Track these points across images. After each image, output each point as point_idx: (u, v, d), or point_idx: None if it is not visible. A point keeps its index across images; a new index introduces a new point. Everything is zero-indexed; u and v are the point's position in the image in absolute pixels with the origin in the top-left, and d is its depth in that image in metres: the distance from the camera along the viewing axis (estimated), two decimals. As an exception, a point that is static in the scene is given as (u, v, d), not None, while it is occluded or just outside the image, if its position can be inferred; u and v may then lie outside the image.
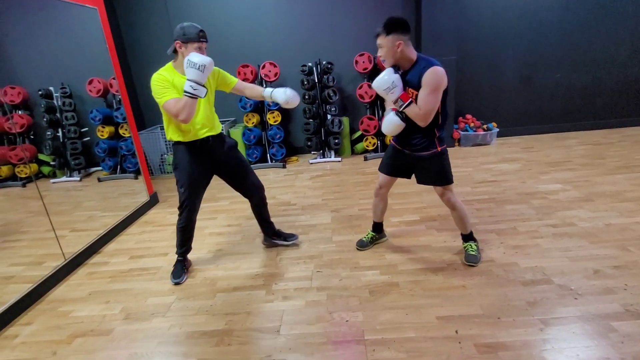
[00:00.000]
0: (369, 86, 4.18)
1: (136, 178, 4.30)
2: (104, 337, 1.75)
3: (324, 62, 4.36)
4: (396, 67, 1.81)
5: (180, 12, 4.47)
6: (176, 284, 2.12)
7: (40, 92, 4.26)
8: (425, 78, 1.69)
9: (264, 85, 4.46)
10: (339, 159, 4.50)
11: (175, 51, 1.84)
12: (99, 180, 4.37)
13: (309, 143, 4.45)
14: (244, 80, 4.37)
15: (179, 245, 2.21)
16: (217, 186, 2.96)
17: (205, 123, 1.98)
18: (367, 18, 4.43)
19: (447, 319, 1.65)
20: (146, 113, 4.97)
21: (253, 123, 4.42)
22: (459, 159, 4.09)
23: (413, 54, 1.76)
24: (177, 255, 2.23)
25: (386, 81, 1.73)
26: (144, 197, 3.45)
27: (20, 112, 4.26)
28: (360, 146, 4.64)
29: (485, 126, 4.57)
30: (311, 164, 4.46)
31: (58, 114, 4.42)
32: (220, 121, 2.15)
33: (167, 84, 1.79)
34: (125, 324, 1.83)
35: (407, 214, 2.79)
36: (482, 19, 4.47)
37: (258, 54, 4.52)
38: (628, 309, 1.61)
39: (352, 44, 4.46)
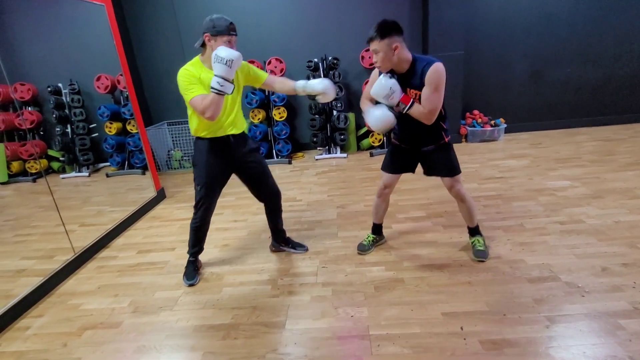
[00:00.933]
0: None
1: (143, 174, 4.35)
2: (113, 329, 1.78)
3: (329, 58, 4.34)
4: (391, 73, 1.78)
5: (187, 8, 4.47)
6: (190, 285, 2.08)
7: (49, 89, 4.31)
8: (428, 76, 1.67)
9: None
10: (345, 155, 4.49)
11: (203, 45, 1.77)
12: (107, 175, 4.42)
13: (315, 139, 4.44)
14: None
15: (191, 244, 2.16)
16: (223, 182, 2.97)
17: (233, 119, 1.91)
18: (374, 13, 4.39)
19: (453, 315, 1.65)
20: (153, 109, 5.01)
21: (259, 119, 4.43)
22: (466, 154, 4.06)
23: (409, 55, 1.73)
24: (188, 256, 2.18)
25: (384, 87, 1.70)
26: (151, 193, 3.49)
27: (30, 108, 4.32)
28: (366, 142, 4.62)
29: (492, 122, 4.52)
30: (317, 160, 4.46)
31: (67, 110, 4.47)
32: None
33: (193, 80, 1.72)
34: (133, 317, 1.87)
35: (414, 210, 2.78)
36: (491, 13, 4.41)
37: (264, 50, 4.52)
38: (636, 307, 1.59)
39: (358, 40, 4.43)
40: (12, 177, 4.00)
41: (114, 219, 2.93)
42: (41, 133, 4.46)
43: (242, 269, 2.22)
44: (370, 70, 4.36)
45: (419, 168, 2.08)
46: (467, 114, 4.67)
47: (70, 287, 2.21)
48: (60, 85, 4.39)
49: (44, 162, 4.41)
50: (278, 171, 4.19)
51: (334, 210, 2.94)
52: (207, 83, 1.71)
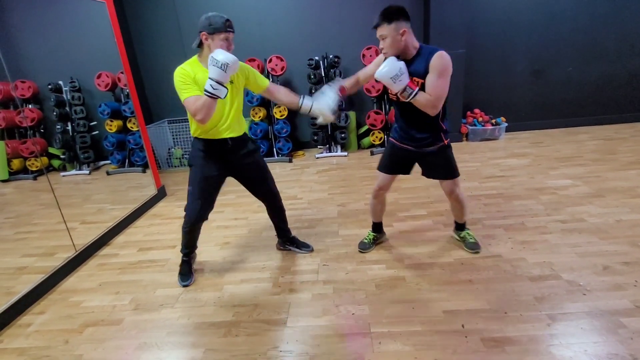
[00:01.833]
0: (376, 80, 4.15)
1: (144, 172, 4.35)
2: (114, 326, 1.78)
3: (330, 56, 4.33)
4: (398, 58, 1.71)
5: (188, 6, 4.46)
6: (185, 286, 2.05)
7: (50, 86, 4.31)
8: (433, 62, 1.62)
9: (271, 80, 4.45)
10: (346, 153, 4.49)
11: (200, 44, 1.72)
12: (108, 173, 4.42)
13: (316, 137, 4.44)
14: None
15: (184, 245, 2.11)
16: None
17: (230, 123, 1.85)
18: (375, 11, 4.32)
19: (454, 313, 1.65)
20: (154, 107, 5.01)
21: (260, 117, 4.42)
22: (467, 153, 4.06)
23: (416, 42, 1.70)
24: (182, 255, 2.14)
25: (393, 69, 1.61)
26: (151, 191, 3.49)
27: (30, 106, 4.32)
28: (366, 141, 4.62)
29: (494, 121, 4.52)
30: (317, 158, 4.46)
31: (67, 108, 4.47)
32: None
33: (188, 80, 1.67)
34: (134, 314, 1.87)
35: (415, 209, 2.78)
36: (492, 11, 4.40)
37: (265, 48, 4.51)
38: (638, 305, 1.59)
39: (360, 38, 4.42)
40: (13, 175, 4.00)
41: (115, 217, 2.93)
42: (42, 131, 4.46)
43: (243, 267, 2.22)
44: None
45: (417, 168, 2.05)
46: (468, 113, 4.66)
47: (72, 285, 2.21)
48: (61, 82, 4.39)
49: (45, 159, 4.41)
50: (278, 169, 4.19)
51: (335, 208, 2.94)
52: (203, 83, 1.66)
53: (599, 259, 1.95)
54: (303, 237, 2.47)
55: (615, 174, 3.07)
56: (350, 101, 4.77)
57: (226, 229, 2.76)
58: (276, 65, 4.32)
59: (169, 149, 4.75)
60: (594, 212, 2.46)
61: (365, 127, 4.57)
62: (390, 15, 1.62)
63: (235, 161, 1.96)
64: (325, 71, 4.37)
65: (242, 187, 2.29)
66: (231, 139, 1.89)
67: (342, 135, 4.42)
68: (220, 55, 1.55)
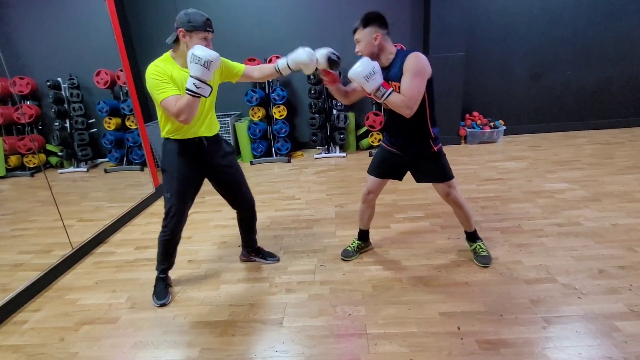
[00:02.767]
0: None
1: (142, 170, 4.34)
2: (110, 325, 1.78)
3: (330, 57, 4.33)
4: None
5: (188, 5, 4.45)
6: (161, 306, 1.89)
7: (48, 83, 4.30)
8: (406, 63, 1.63)
9: (270, 80, 4.45)
10: (344, 154, 4.49)
11: (176, 40, 1.63)
12: (106, 171, 4.41)
13: (314, 138, 4.44)
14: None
15: (160, 260, 1.95)
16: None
17: (207, 121, 1.79)
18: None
19: (450, 315, 1.65)
20: (152, 105, 4.98)
21: (259, 117, 4.42)
22: (465, 156, 4.07)
23: (392, 48, 1.73)
24: (158, 272, 1.97)
25: (366, 67, 1.60)
26: (149, 189, 3.48)
27: (28, 102, 4.31)
28: (365, 142, 4.63)
29: (492, 124, 4.53)
30: (316, 159, 4.46)
31: (66, 105, 4.46)
32: (225, 115, 2.05)
33: (165, 78, 1.58)
34: (131, 312, 1.86)
35: (412, 211, 2.79)
36: (492, 15, 4.41)
37: (265, 48, 4.51)
38: (633, 309, 1.60)
39: (360, 39, 4.42)
40: (10, 172, 3.99)
41: (112, 215, 2.92)
42: (39, 127, 4.45)
43: (240, 267, 2.22)
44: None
45: (408, 176, 2.03)
46: (467, 116, 4.68)
47: (68, 282, 2.20)
48: (59, 79, 4.38)
49: (42, 156, 4.39)
50: (277, 169, 4.19)
51: (333, 209, 2.95)
52: (180, 82, 1.60)
53: (594, 263, 1.96)
54: (301, 237, 2.48)
55: (612, 179, 3.09)
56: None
57: (224, 228, 2.75)
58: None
59: (168, 148, 4.74)
60: (590, 216, 2.48)
61: (364, 129, 4.58)
62: (367, 20, 1.69)
63: (212, 162, 1.86)
64: (325, 72, 4.37)
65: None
66: (206, 138, 1.81)
67: (341, 136, 4.42)
68: (201, 51, 1.46)
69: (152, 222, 3.00)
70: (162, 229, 1.87)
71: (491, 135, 4.51)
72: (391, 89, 1.65)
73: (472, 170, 3.60)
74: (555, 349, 1.43)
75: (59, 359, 1.59)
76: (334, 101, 4.38)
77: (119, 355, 1.59)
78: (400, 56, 1.69)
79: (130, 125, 4.45)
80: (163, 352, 1.58)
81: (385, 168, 2.00)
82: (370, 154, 4.40)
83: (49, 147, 4.41)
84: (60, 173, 4.39)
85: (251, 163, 4.46)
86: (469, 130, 4.51)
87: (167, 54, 1.69)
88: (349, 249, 2.22)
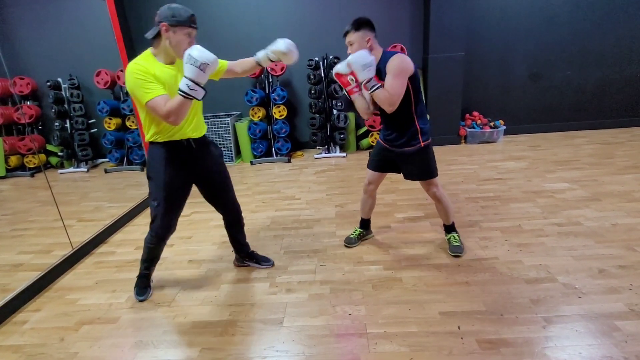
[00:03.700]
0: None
1: (142, 170, 4.34)
2: (110, 325, 1.78)
3: (330, 57, 4.34)
4: None
5: (188, 4, 4.46)
6: (141, 301, 1.90)
7: (48, 83, 4.30)
8: (389, 65, 1.77)
9: (271, 80, 4.46)
10: (344, 154, 4.49)
11: (157, 36, 1.56)
12: (106, 171, 4.41)
13: (315, 138, 4.45)
14: (252, 76, 4.37)
15: (145, 259, 1.92)
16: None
17: (195, 122, 1.73)
18: (375, 13, 4.40)
19: (450, 315, 1.65)
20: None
21: (259, 117, 4.42)
22: (465, 156, 4.07)
23: (380, 51, 1.86)
24: (141, 268, 1.94)
25: (366, 58, 1.74)
26: (150, 189, 3.48)
27: (29, 102, 4.31)
28: (365, 142, 4.63)
29: (492, 123, 4.53)
30: (316, 158, 4.46)
31: (66, 105, 4.46)
32: (226, 115, 2.04)
33: (149, 77, 1.49)
34: (131, 312, 1.86)
35: (412, 210, 2.79)
36: (492, 15, 4.42)
37: (265, 47, 4.50)
38: (633, 309, 1.60)
39: (360, 39, 4.42)
40: (10, 172, 3.99)
41: (113, 215, 2.92)
42: (40, 128, 4.45)
43: (240, 266, 2.22)
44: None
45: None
46: (467, 115, 4.68)
47: (68, 282, 2.20)
48: (59, 79, 4.39)
49: (43, 156, 4.40)
50: (277, 169, 4.19)
51: (333, 209, 2.95)
52: (164, 80, 1.54)
53: (594, 262, 1.96)
54: (301, 237, 2.48)
55: (612, 178, 3.09)
56: (350, 102, 4.77)
57: (223, 227, 2.75)
58: (276, 65, 4.32)
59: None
60: (590, 215, 2.48)
61: (364, 129, 4.58)
62: (359, 24, 1.81)
63: (201, 165, 1.80)
64: (325, 72, 4.38)
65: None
66: (194, 140, 1.75)
67: (341, 136, 4.42)
68: (198, 52, 1.39)
69: (152, 222, 3.00)
70: (148, 235, 1.84)
71: (491, 135, 4.51)
72: (381, 83, 1.79)
73: (472, 170, 3.60)
74: (556, 349, 1.43)
75: (59, 359, 1.59)
76: (334, 101, 4.38)
77: (119, 355, 1.59)
78: (386, 56, 1.83)
79: (130, 126, 4.45)
80: (163, 352, 1.58)
81: (380, 162, 2.15)
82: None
83: (49, 147, 4.42)
84: (61, 173, 4.39)
85: (251, 163, 4.46)
86: (469, 130, 4.51)
87: (148, 51, 1.62)
88: (352, 236, 2.34)
